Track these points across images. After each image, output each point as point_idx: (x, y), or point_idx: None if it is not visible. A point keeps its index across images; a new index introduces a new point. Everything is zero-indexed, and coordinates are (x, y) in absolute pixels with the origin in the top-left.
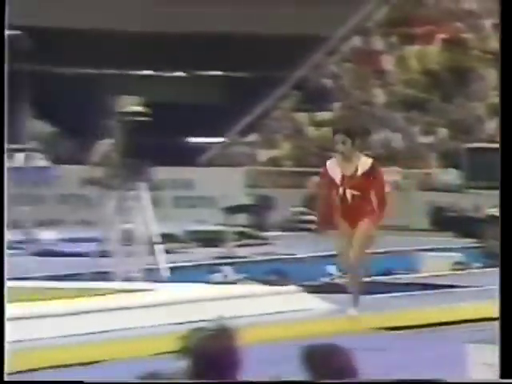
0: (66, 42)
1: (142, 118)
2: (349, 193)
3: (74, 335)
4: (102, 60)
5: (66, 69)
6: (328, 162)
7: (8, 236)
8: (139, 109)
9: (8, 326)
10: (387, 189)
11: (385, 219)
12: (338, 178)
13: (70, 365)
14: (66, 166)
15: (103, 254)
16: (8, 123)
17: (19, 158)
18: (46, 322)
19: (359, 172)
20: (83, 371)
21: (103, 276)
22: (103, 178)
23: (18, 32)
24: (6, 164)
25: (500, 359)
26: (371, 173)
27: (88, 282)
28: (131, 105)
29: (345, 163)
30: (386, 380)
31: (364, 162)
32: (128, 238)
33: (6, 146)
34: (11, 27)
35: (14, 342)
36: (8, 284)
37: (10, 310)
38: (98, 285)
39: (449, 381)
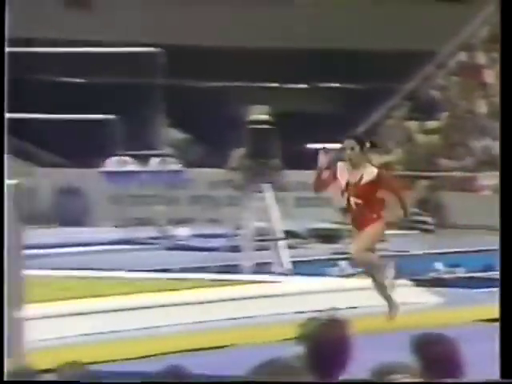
0: (200, 58)
1: (269, 126)
2: (352, 200)
3: (205, 322)
4: (232, 74)
5: (200, 82)
6: (338, 164)
7: (145, 232)
8: (266, 117)
9: (143, 314)
10: (397, 192)
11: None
12: (343, 184)
13: (199, 349)
14: (197, 169)
15: (232, 249)
16: (146, 131)
17: (155, 163)
18: (179, 309)
19: (363, 181)
20: (213, 355)
21: (232, 269)
22: (237, 180)
23: (157, 49)
24: (6, 165)
25: (500, 359)
26: (377, 182)
27: (218, 274)
28: (260, 114)
29: (351, 170)
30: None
31: (369, 172)
32: (256, 235)
33: (5, 146)
34: (153, 45)
35: (155, 327)
36: (144, 275)
37: (146, 299)
38: (227, 277)
39: (447, 380)
